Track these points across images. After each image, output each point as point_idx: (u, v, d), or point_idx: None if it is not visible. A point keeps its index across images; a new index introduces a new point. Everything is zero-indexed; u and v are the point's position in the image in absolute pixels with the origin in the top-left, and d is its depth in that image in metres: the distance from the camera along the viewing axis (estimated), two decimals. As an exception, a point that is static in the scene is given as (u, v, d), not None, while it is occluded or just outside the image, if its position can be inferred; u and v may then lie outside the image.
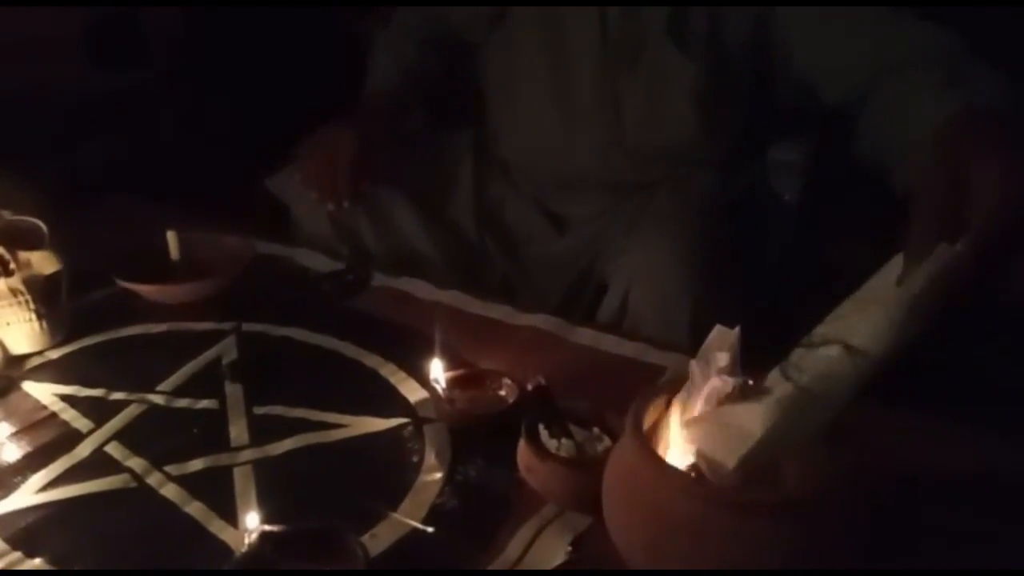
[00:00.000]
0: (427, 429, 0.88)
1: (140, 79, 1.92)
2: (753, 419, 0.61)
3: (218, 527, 0.76)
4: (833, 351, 0.61)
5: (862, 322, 0.61)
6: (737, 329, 0.64)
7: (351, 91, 1.31)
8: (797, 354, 0.64)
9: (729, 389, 0.64)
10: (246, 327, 1.08)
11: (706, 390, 0.65)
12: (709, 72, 1.13)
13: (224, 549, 0.73)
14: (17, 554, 0.73)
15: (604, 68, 1.17)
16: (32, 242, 1.02)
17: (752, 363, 0.65)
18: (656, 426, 0.68)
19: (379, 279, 1.21)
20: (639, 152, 1.21)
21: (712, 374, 0.65)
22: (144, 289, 1.13)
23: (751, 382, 0.64)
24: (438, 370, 0.90)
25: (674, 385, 0.68)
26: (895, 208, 0.71)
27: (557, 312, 1.11)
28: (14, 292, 1.00)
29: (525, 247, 1.34)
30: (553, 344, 1.04)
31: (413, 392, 0.95)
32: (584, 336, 1.06)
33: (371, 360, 1.01)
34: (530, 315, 1.10)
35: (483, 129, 1.36)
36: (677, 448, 0.66)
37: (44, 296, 1.02)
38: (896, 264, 0.63)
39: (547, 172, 1.29)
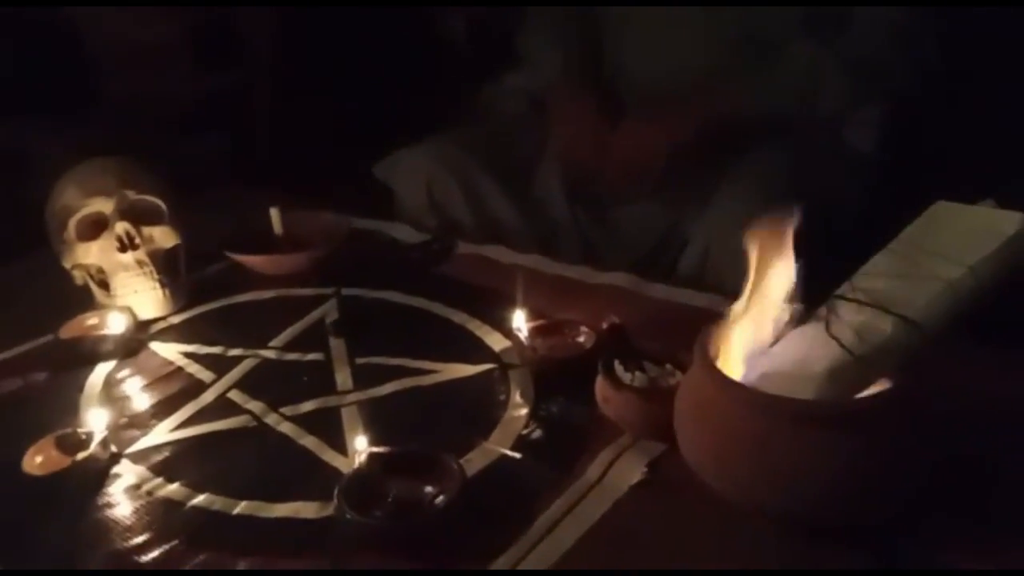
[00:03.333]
0: (512, 373, 0.96)
1: (242, 77, 2.06)
2: (806, 392, 0.66)
3: (330, 456, 0.85)
4: (888, 325, 0.65)
5: (919, 292, 0.65)
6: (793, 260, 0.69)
7: (439, 83, 1.40)
8: (848, 311, 0.68)
9: (787, 317, 0.69)
10: (345, 291, 1.18)
11: (767, 321, 0.71)
12: None
13: (335, 473, 0.82)
14: (159, 479, 0.83)
15: None
16: (154, 219, 1.14)
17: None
18: (722, 354, 0.74)
19: (464, 247, 1.29)
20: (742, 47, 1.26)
21: (772, 307, 0.70)
22: (251, 260, 1.24)
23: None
24: (520, 320, 0.98)
25: (738, 317, 0.74)
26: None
27: (643, 270, 1.17)
28: (140, 263, 1.12)
29: (613, 210, 1.40)
30: (630, 298, 1.10)
31: (498, 343, 1.02)
32: (659, 291, 1.12)
33: (458, 317, 1.10)
34: (607, 273, 1.16)
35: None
36: (740, 370, 0.71)
37: (166, 267, 1.14)
38: (940, 213, 0.67)
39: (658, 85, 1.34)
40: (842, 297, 0.69)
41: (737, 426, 0.66)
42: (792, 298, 0.69)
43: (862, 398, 0.66)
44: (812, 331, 0.69)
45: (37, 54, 1.86)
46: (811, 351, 0.68)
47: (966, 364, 0.79)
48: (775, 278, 0.70)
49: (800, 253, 0.69)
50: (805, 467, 0.65)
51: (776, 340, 0.72)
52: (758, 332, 0.73)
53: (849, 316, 0.68)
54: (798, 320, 0.71)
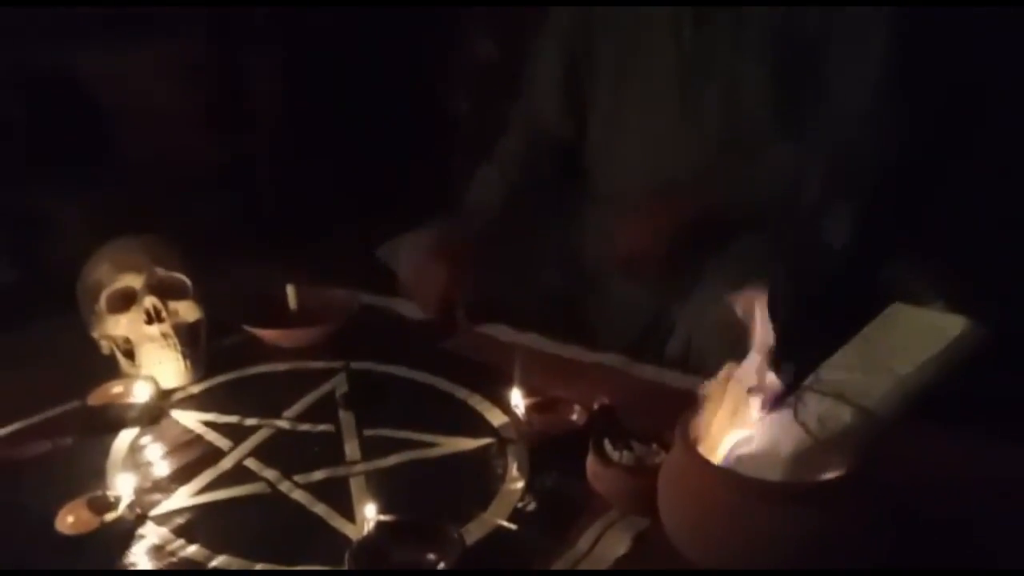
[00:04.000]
0: (509, 447, 1.03)
1: (252, 150, 2.18)
2: (774, 472, 0.74)
3: (339, 523, 0.92)
4: (847, 414, 0.73)
5: (874, 385, 0.74)
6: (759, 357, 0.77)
7: (441, 162, 1.51)
8: (813, 400, 0.76)
9: (757, 407, 0.77)
10: (354, 365, 1.25)
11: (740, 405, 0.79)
12: (776, 65, 1.29)
13: (344, 539, 0.88)
14: (180, 541, 0.90)
15: (683, 82, 1.35)
16: (179, 294, 1.22)
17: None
18: (700, 435, 0.81)
19: (466, 325, 1.37)
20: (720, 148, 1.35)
21: (746, 392, 0.78)
22: (268, 334, 1.32)
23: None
24: (518, 397, 1.05)
25: (717, 402, 0.82)
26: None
27: (632, 351, 1.25)
28: (165, 336, 1.20)
29: (606, 292, 1.49)
30: (620, 378, 1.18)
31: (497, 418, 1.10)
32: (647, 372, 1.20)
33: (461, 392, 1.17)
34: (599, 353, 1.24)
35: (574, 182, 1.53)
36: (717, 451, 0.79)
37: (188, 339, 1.22)
38: (895, 314, 0.76)
39: (641, 193, 1.43)
40: (808, 388, 0.77)
41: (712, 502, 0.74)
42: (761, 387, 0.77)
43: (823, 479, 0.73)
44: (781, 418, 0.77)
45: (59, 121, 1.98)
46: (780, 436, 0.76)
47: (923, 441, 0.87)
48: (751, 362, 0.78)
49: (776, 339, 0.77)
50: (773, 540, 0.72)
51: (753, 425, 0.80)
52: (736, 416, 0.81)
53: (813, 405, 0.75)
54: (774, 403, 0.79)
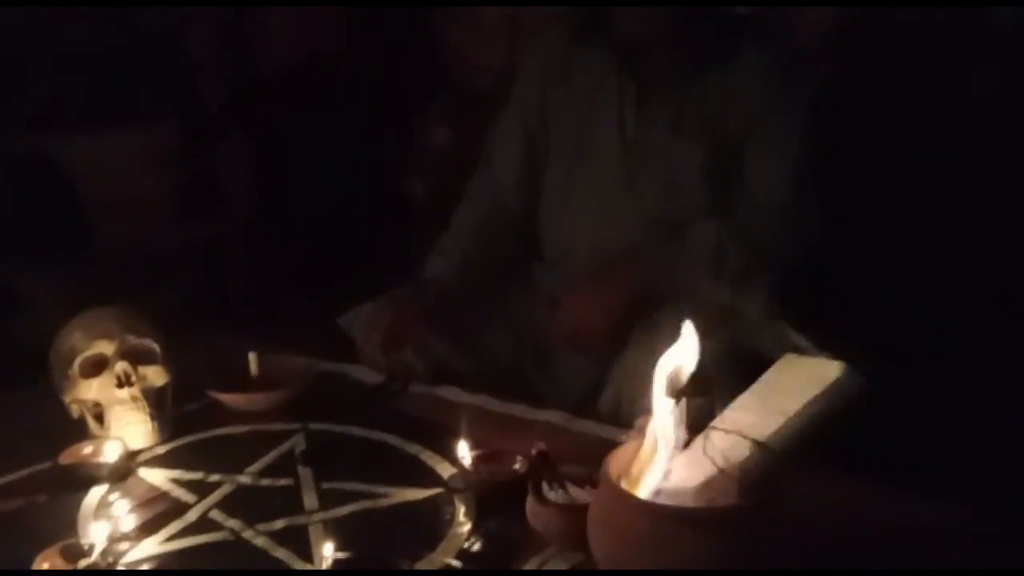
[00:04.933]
0: (457, 496, 1.12)
1: (220, 228, 2.29)
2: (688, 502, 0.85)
3: (300, 565, 1.00)
4: (747, 449, 0.85)
5: (769, 423, 0.86)
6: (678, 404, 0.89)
7: (400, 236, 1.63)
8: (718, 437, 0.87)
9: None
10: (312, 426, 1.34)
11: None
12: (708, 154, 1.45)
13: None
14: (150, 585, 0.97)
15: (625, 165, 1.50)
16: (149, 359, 1.31)
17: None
18: (624, 474, 0.92)
19: (419, 387, 1.47)
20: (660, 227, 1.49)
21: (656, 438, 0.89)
22: (230, 399, 1.40)
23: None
24: (464, 449, 1.15)
25: (636, 444, 0.93)
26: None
27: (573, 410, 1.36)
28: (134, 399, 1.27)
29: (551, 359, 1.59)
30: (560, 432, 1.29)
31: (446, 470, 1.19)
32: (585, 426, 1.31)
33: (412, 448, 1.26)
34: (542, 411, 1.35)
35: (525, 254, 1.66)
36: (640, 488, 0.89)
37: (156, 403, 1.29)
38: (787, 363, 0.88)
39: (586, 266, 1.55)
40: (714, 427, 0.88)
41: (632, 530, 0.84)
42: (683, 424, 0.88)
43: (727, 505, 0.84)
44: (693, 453, 0.88)
45: (35, 203, 2.08)
46: (692, 469, 0.87)
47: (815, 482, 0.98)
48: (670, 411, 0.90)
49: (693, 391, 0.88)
50: (686, 562, 0.82)
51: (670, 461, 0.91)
52: (656, 455, 0.91)
53: (719, 442, 0.87)
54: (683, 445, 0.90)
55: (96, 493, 1.16)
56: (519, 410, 1.37)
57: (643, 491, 0.89)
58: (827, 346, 1.00)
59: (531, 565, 0.97)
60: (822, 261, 1.48)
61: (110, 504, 1.14)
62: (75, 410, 1.30)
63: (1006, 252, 1.82)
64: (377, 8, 2.66)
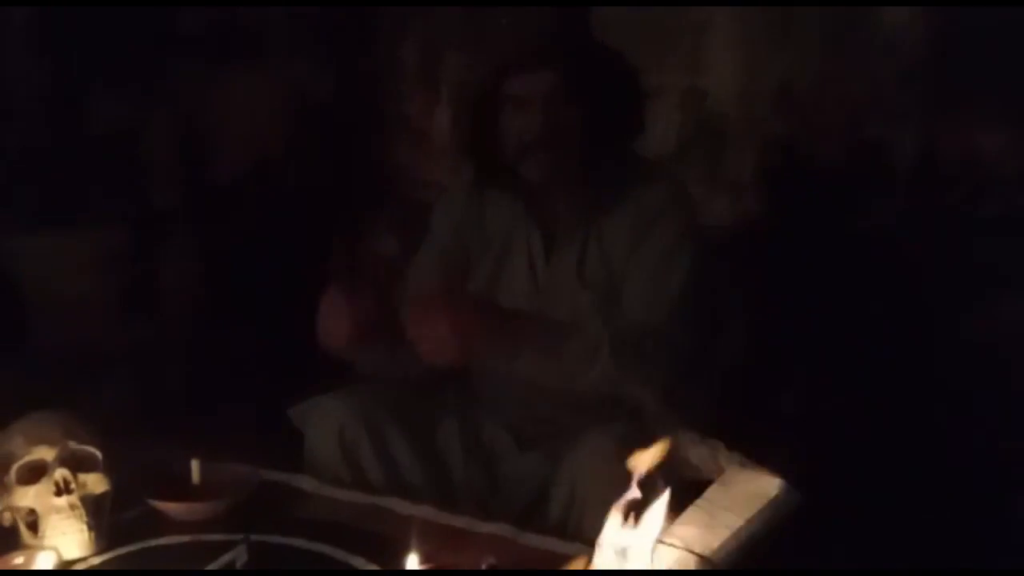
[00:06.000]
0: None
1: (162, 332, 2.27)
2: None
3: None
4: (692, 561, 0.89)
5: (714, 537, 0.90)
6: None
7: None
8: (665, 552, 0.91)
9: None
10: (254, 537, 1.31)
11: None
12: (605, 292, 1.54)
13: None
14: None
15: (536, 305, 1.57)
16: (89, 466, 1.28)
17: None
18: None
19: (364, 498, 1.46)
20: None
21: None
22: (170, 507, 1.38)
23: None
24: (413, 563, 1.15)
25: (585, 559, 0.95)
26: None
27: (522, 518, 1.38)
28: (72, 507, 1.24)
29: (498, 465, 1.61)
30: (507, 545, 1.30)
31: (393, 584, 1.18)
32: (532, 539, 1.32)
33: (357, 561, 1.26)
34: (488, 523, 1.36)
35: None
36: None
37: (94, 511, 1.27)
38: (731, 477, 0.93)
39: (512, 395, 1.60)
40: (661, 542, 0.91)
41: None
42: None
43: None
44: (646, 566, 0.91)
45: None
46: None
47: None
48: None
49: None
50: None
51: None
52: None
53: (666, 556, 0.90)
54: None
55: (26, 607, 1.12)
56: (464, 522, 1.38)
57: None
58: (761, 458, 1.05)
59: None
60: (751, 376, 1.55)
61: (41, 620, 1.10)
62: (7, 518, 1.26)
63: (937, 353, 1.94)
64: (327, 119, 2.75)
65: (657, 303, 1.50)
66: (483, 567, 1.07)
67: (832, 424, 1.69)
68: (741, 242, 2.19)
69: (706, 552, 0.87)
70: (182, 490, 1.41)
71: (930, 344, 1.97)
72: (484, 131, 1.58)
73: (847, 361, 2.02)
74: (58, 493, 1.23)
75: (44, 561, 1.18)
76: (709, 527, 0.89)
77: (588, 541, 1.24)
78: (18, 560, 1.19)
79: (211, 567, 1.23)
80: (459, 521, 1.38)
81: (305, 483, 1.52)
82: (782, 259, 2.19)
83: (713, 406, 1.50)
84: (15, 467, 1.24)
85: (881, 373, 1.99)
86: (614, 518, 0.90)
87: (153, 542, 1.32)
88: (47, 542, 1.22)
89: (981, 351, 1.91)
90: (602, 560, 0.93)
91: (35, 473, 1.25)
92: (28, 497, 1.23)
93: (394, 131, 2.78)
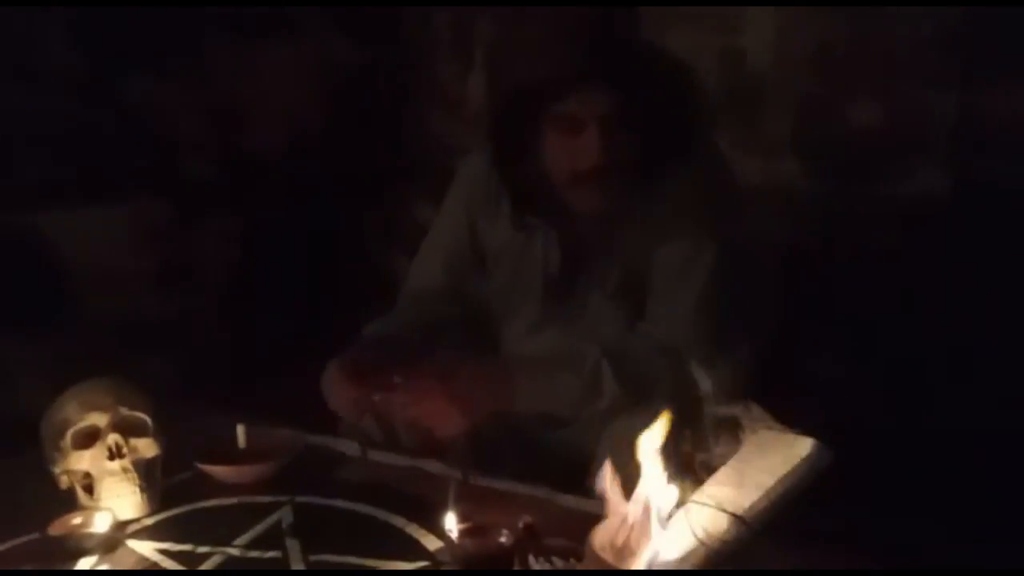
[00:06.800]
0: (444, 569, 1.15)
1: (207, 302, 2.33)
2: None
3: (289, 636, 1.02)
4: (725, 520, 0.90)
5: (745, 496, 0.91)
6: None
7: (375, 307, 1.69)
8: (698, 511, 0.93)
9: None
10: (299, 499, 1.36)
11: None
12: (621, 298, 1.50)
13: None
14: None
15: (548, 303, 1.55)
16: (140, 432, 1.33)
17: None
18: (606, 546, 0.96)
19: (404, 460, 1.50)
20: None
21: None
22: (218, 471, 1.42)
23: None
24: (451, 522, 1.18)
25: (620, 517, 0.97)
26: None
27: (561, 485, 1.38)
28: (124, 471, 1.30)
29: (529, 440, 1.62)
30: (545, 506, 1.32)
31: (432, 543, 1.22)
32: (569, 500, 1.34)
33: (398, 521, 1.29)
34: (527, 486, 1.39)
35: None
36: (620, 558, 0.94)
37: (146, 474, 1.32)
38: (760, 439, 0.94)
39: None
40: (694, 501, 0.93)
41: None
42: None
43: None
44: (677, 525, 0.93)
45: (21, 276, 2.11)
46: (675, 539, 0.91)
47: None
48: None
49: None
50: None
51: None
52: (641, 531, 0.96)
53: (699, 516, 0.92)
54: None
55: (85, 564, 1.17)
56: (503, 484, 1.40)
57: (638, 564, 0.93)
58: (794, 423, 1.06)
59: (517, 636, 1.00)
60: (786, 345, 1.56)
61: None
62: (65, 481, 1.31)
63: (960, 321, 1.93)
64: (361, 90, 2.77)
65: (675, 317, 1.45)
66: (520, 525, 1.09)
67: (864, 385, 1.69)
68: (777, 208, 2.18)
69: (738, 511, 0.88)
70: (229, 454, 1.46)
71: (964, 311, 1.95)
72: (521, 150, 1.43)
73: (879, 326, 2.01)
74: (111, 457, 1.28)
75: (101, 521, 1.23)
76: (740, 486, 0.91)
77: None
78: (76, 520, 1.24)
79: (258, 528, 1.28)
80: (496, 484, 1.41)
81: (347, 447, 1.56)
82: (819, 224, 2.18)
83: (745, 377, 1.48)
84: (70, 432, 1.29)
85: (912, 337, 1.98)
86: (652, 478, 0.93)
87: (202, 504, 1.36)
88: (102, 504, 1.28)
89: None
90: (634, 519, 0.95)
91: (89, 438, 1.30)
92: (83, 461, 1.28)
93: (428, 99, 2.79)
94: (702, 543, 0.89)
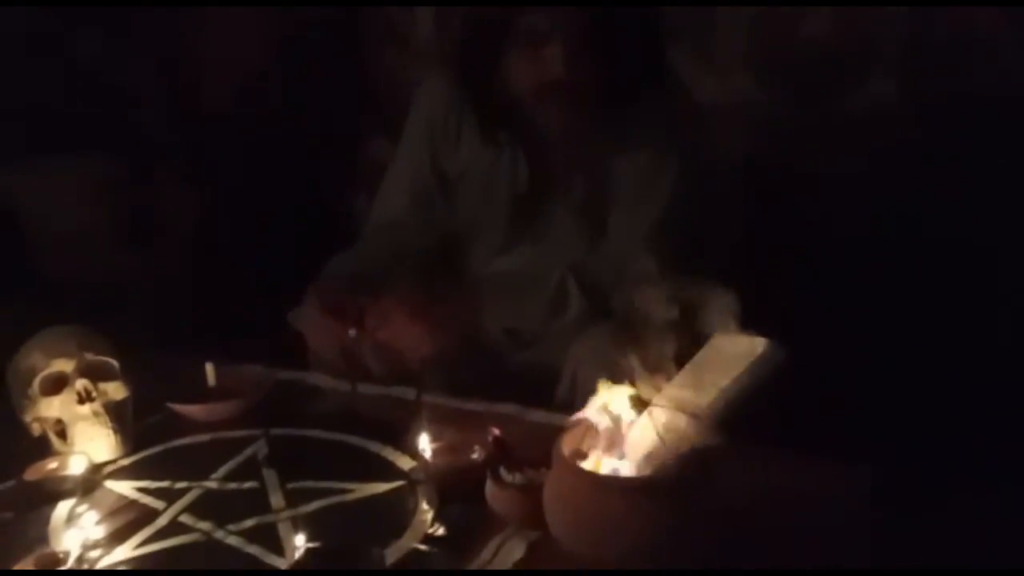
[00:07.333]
0: (419, 487, 1.18)
1: (167, 247, 2.32)
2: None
3: (272, 560, 1.05)
4: (683, 420, 0.93)
5: (702, 397, 0.94)
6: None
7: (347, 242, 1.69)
8: (659, 412, 0.96)
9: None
10: (273, 432, 1.38)
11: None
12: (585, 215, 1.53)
13: (278, 571, 1.01)
14: (127, 586, 1.01)
15: (515, 222, 1.57)
16: (107, 376, 1.33)
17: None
18: (574, 452, 0.99)
19: (375, 389, 1.52)
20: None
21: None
22: (189, 410, 1.44)
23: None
24: (424, 442, 1.21)
25: (586, 424, 1.00)
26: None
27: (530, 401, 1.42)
28: (95, 414, 1.30)
29: (502, 356, 1.65)
30: (516, 422, 1.35)
31: (407, 463, 1.25)
32: (538, 415, 1.38)
33: (373, 446, 1.31)
34: (497, 404, 1.42)
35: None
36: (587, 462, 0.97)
37: (117, 417, 1.32)
38: (717, 342, 0.97)
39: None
40: (656, 403, 0.96)
41: (581, 500, 0.92)
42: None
43: (663, 474, 0.92)
44: (639, 428, 0.96)
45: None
46: (639, 441, 0.95)
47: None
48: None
49: None
50: (630, 528, 0.90)
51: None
52: (607, 439, 0.99)
53: (661, 416, 0.95)
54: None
55: (64, 507, 1.18)
56: (474, 404, 1.43)
57: (604, 468, 0.97)
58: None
59: (493, 542, 1.04)
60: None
61: (79, 516, 1.16)
62: (36, 428, 1.32)
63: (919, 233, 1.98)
64: (308, 32, 2.72)
65: (637, 231, 1.49)
66: (489, 439, 1.12)
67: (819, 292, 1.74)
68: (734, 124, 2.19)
69: (695, 411, 0.92)
70: (200, 393, 1.47)
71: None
72: (487, 68, 1.44)
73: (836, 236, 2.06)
74: (80, 402, 1.29)
75: (77, 464, 1.24)
76: (698, 387, 0.94)
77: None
78: (52, 465, 1.26)
79: (234, 461, 1.30)
80: (468, 404, 1.44)
81: (318, 379, 1.58)
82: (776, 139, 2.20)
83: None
84: (37, 380, 1.29)
85: (869, 248, 2.03)
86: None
87: (176, 442, 1.38)
88: (77, 448, 1.29)
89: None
90: (601, 426, 0.99)
91: (57, 385, 1.30)
92: (53, 407, 1.29)
93: (376, 36, 2.76)
94: (663, 442, 0.92)
